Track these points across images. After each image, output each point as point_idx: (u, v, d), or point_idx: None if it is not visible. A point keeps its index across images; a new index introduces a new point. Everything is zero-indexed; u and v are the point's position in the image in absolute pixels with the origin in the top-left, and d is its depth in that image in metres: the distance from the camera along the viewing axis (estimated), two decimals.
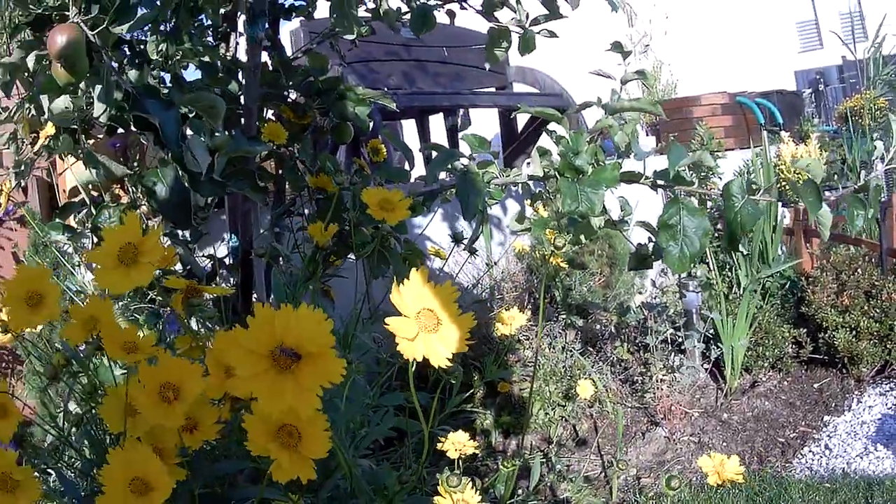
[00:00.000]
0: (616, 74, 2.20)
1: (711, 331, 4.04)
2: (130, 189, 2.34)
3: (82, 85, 1.86)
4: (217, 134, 1.75)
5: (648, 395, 3.78)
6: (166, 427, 1.13)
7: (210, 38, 2.40)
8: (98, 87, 1.73)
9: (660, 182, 2.07)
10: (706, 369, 4.10)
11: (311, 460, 1.03)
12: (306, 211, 2.36)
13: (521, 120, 5.18)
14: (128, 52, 2.09)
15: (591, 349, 3.90)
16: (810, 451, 3.46)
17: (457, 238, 2.03)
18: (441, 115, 5.07)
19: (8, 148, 2.47)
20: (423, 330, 1.04)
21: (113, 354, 1.18)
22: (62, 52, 1.50)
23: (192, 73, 2.30)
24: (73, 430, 1.48)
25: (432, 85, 4.85)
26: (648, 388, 3.79)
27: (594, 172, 2.00)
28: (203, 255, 2.46)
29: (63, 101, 1.89)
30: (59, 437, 1.44)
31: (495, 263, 3.94)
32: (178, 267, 2.34)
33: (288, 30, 4.50)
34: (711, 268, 4.27)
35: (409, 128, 5.67)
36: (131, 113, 1.63)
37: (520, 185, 2.21)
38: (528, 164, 2.15)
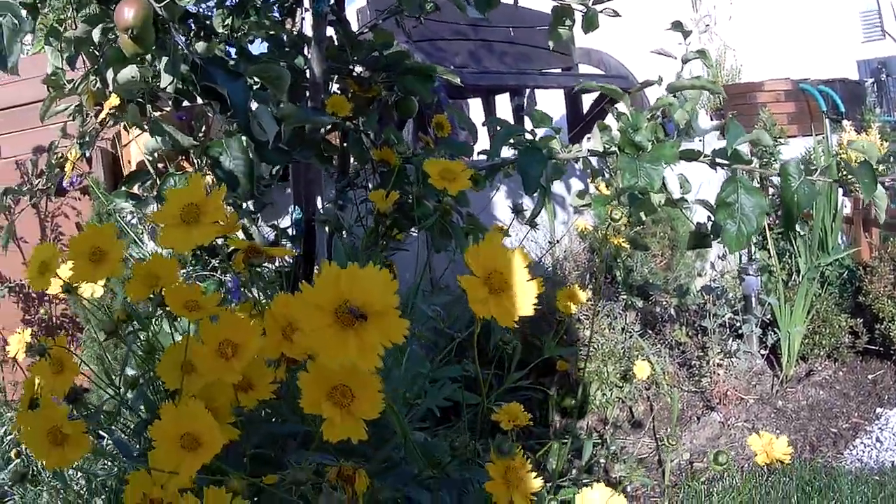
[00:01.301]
0: (677, 54, 2.19)
1: (769, 316, 3.97)
2: (196, 160, 2.32)
3: (148, 57, 1.86)
4: (283, 105, 1.73)
5: (705, 380, 3.72)
6: (222, 383, 1.11)
7: (276, 13, 2.38)
8: (165, 59, 1.73)
9: (718, 160, 2.02)
10: (763, 355, 4.03)
11: (364, 423, 1.01)
12: (370, 185, 2.33)
13: (587, 102, 5.12)
14: (194, 27, 2.08)
15: (650, 331, 3.84)
16: (861, 443, 3.40)
17: (517, 209, 1.98)
18: (507, 95, 5.02)
19: (73, 119, 2.47)
20: (493, 291, 1.01)
21: (176, 310, 1.16)
22: (130, 24, 1.51)
23: (257, 49, 2.29)
24: (129, 392, 1.46)
25: (498, 65, 4.80)
26: (705, 372, 3.73)
27: (653, 149, 1.96)
28: (266, 226, 2.44)
29: (129, 72, 1.87)
30: (114, 397, 1.42)
31: (558, 241, 3.89)
32: (241, 236, 2.34)
33: (355, 8, 4.48)
34: (771, 253, 4.20)
35: (475, 108, 5.62)
36: (199, 83, 1.62)
37: (581, 161, 2.17)
38: (589, 138, 2.10)
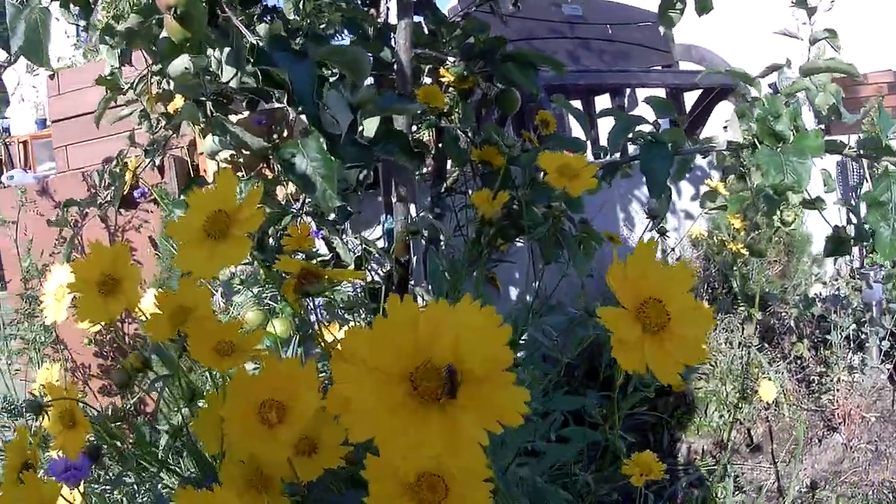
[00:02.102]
0: (802, 35, 2.03)
1: (895, 327, 3.62)
2: (276, 167, 2.08)
3: (213, 53, 1.60)
4: (359, 89, 1.44)
5: (825, 397, 3.38)
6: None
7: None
8: (227, 50, 1.48)
9: (866, 152, 1.75)
10: (888, 370, 3.67)
11: None
12: (470, 191, 2.06)
13: (689, 100, 4.81)
14: (259, 11, 1.84)
15: (767, 345, 3.52)
16: None
17: (652, 214, 1.67)
18: (607, 95, 4.74)
19: (140, 125, 2.28)
20: (649, 329, 0.70)
21: (199, 357, 0.87)
22: (172, 1, 1.28)
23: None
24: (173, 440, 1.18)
25: (598, 63, 4.53)
26: (826, 388, 3.39)
27: (796, 139, 1.69)
28: (352, 238, 2.17)
29: (181, 63, 1.59)
30: (143, 455, 1.14)
31: (672, 250, 3.58)
32: (324, 250, 2.09)
33: (446, 8, 4.25)
34: None
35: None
36: (256, 67, 1.34)
37: (708, 157, 1.89)
38: (726, 128, 1.82)
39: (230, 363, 0.87)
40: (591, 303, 1.87)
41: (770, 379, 2.98)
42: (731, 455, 3.09)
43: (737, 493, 2.80)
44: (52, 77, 3.36)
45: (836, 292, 3.96)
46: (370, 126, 1.52)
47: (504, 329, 0.62)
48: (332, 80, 1.62)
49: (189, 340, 0.90)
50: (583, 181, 1.27)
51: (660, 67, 4.98)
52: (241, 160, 2.07)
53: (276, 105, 1.83)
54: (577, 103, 4.92)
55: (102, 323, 1.02)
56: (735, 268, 3.48)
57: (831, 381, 3.38)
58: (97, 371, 3.13)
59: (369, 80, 1.80)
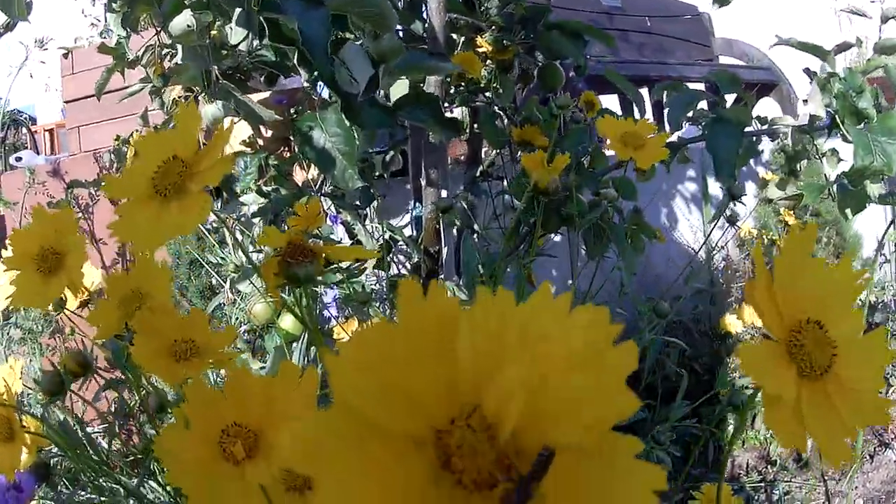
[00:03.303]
0: (872, 13, 1.92)
1: None
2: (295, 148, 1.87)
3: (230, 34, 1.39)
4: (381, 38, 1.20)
5: None
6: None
7: None
8: (238, 11, 1.26)
9: None
10: None
11: None
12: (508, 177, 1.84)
13: (729, 99, 4.60)
14: None
15: None
16: None
17: (734, 193, 1.42)
18: (646, 89, 4.54)
19: (154, 104, 2.08)
20: (807, 373, 0.45)
21: (143, 361, 0.63)
22: None
23: None
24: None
25: (637, 56, 4.31)
26: None
27: (881, 119, 1.49)
28: (377, 225, 1.96)
29: (184, 19, 1.37)
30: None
31: (723, 247, 3.33)
32: (345, 239, 1.87)
33: None
34: None
35: (609, 103, 5.16)
36: (260, 14, 1.12)
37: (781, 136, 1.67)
38: (806, 101, 1.61)
39: (184, 371, 0.63)
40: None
41: None
42: (779, 471, 2.89)
43: None
44: (66, 56, 3.18)
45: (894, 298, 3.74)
46: (397, 91, 1.29)
47: (628, 349, 0.33)
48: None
49: (135, 338, 0.66)
50: (651, 152, 1.04)
51: (700, 61, 4.75)
52: (259, 142, 1.87)
53: (300, 84, 1.66)
54: (613, 97, 4.75)
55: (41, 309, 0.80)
56: None
57: (884, 394, 3.13)
58: (104, 364, 2.90)
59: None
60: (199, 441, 0.58)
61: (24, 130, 6.18)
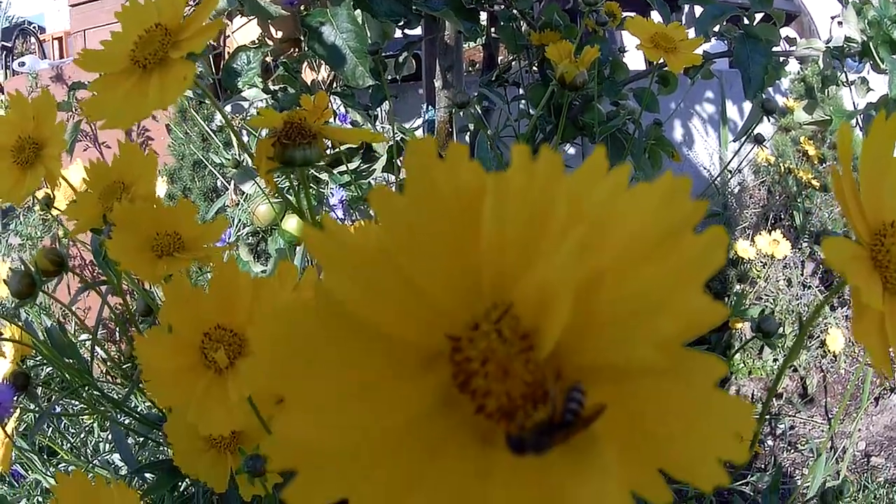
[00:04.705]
0: None
1: None
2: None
3: None
4: None
5: None
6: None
7: None
8: None
9: None
10: None
11: None
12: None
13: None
14: None
15: (825, 288, 3.22)
16: None
17: (769, 108, 1.33)
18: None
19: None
20: (891, 284, 0.39)
21: (118, 257, 0.57)
22: None
23: None
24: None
25: None
26: None
27: None
28: (387, 126, 1.88)
29: None
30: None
31: (738, 170, 3.23)
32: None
33: None
34: None
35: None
36: None
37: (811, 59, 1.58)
38: (840, 23, 1.52)
39: (165, 268, 0.55)
40: None
41: (837, 326, 2.76)
42: (784, 405, 2.87)
43: (790, 449, 2.61)
44: None
45: None
46: None
47: (715, 237, 0.24)
48: None
49: (114, 231, 0.58)
50: (684, 56, 0.95)
51: None
52: (269, 44, 1.78)
53: None
54: (630, 14, 4.63)
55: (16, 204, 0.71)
56: (798, 200, 3.14)
57: None
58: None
59: None
60: (180, 347, 0.50)
61: (33, 40, 6.05)
